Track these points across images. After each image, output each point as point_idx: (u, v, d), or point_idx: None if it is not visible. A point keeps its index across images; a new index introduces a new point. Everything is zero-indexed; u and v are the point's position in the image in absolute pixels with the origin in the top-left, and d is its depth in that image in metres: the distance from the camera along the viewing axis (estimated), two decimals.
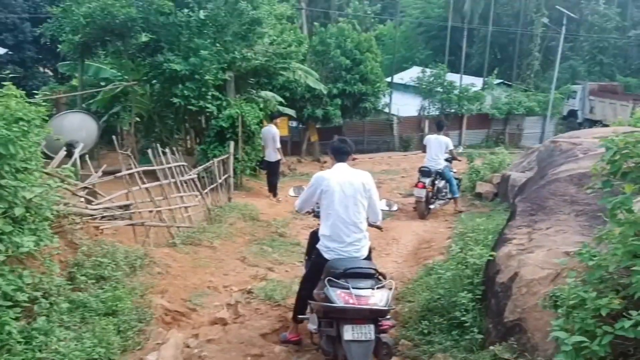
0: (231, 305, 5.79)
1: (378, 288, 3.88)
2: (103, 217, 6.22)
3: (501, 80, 32.94)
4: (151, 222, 7.19)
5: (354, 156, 24.95)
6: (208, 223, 8.74)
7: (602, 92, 32.76)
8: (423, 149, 11.54)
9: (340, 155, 4.48)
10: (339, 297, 3.78)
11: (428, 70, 29.76)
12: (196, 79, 12.01)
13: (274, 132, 11.97)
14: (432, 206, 10.71)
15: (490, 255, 4.70)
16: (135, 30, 12.36)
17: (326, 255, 4.28)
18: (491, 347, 3.82)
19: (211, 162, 9.77)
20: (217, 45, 12.46)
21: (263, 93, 16.52)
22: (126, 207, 6.85)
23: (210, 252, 7.35)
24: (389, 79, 29.94)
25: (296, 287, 5.05)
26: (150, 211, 7.21)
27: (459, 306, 4.56)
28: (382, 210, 4.79)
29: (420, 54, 41.22)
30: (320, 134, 26.04)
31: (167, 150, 8.23)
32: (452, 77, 30.40)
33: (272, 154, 12.05)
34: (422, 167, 10.67)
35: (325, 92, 18.03)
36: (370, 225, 4.62)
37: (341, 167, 4.43)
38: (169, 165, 8.03)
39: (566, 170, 5.35)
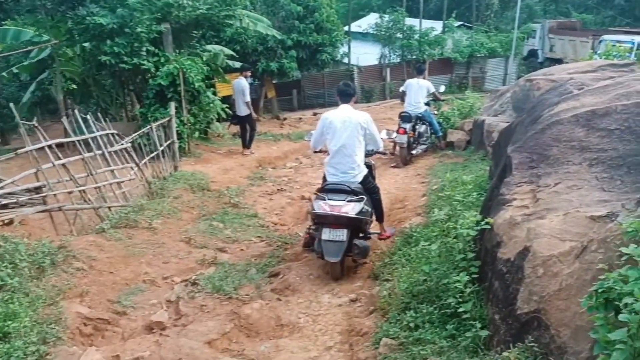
0: (171, 303, 4.73)
1: (350, 201, 5.03)
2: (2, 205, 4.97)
3: (461, 23, 31.88)
4: (72, 205, 5.97)
5: (315, 111, 23.99)
6: (148, 199, 7.53)
7: (561, 29, 32.10)
8: (402, 95, 11.09)
9: (344, 97, 5.36)
10: (319, 206, 5.05)
11: (386, 16, 28.40)
12: (127, 32, 10.50)
13: (243, 85, 11.63)
14: (414, 151, 10.50)
15: (487, 222, 3.72)
16: None
17: (328, 178, 5.34)
18: (504, 354, 2.85)
19: (148, 127, 8.43)
20: None
21: (210, 47, 15.02)
22: (37, 189, 5.61)
23: (148, 235, 6.18)
24: (346, 28, 28.55)
25: (253, 271, 5.50)
26: (71, 192, 5.97)
27: (452, 291, 3.60)
28: (383, 138, 6.00)
29: (377, 0, 39.63)
30: (277, 90, 24.65)
31: (89, 116, 6.90)
32: (411, 22, 29.17)
33: (243, 108, 11.83)
34: (403, 112, 10.47)
35: (279, 37, 16.60)
36: (375, 153, 5.91)
37: (344, 107, 5.29)
38: (91, 135, 6.72)
39: (567, 110, 4.34)
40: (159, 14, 11.16)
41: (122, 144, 7.45)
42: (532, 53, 33.09)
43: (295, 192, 8.97)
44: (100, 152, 6.88)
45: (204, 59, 12.41)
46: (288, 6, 20.81)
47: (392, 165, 10.51)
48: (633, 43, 22.51)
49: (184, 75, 10.83)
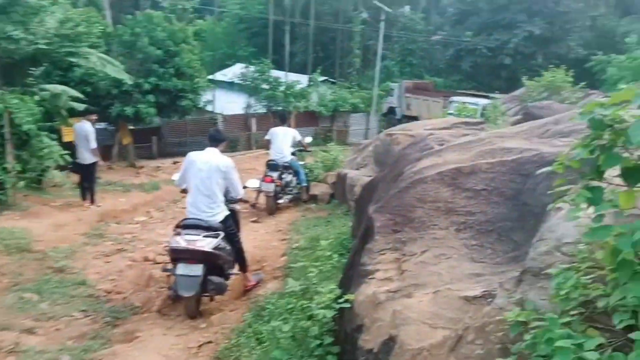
0: None
1: (206, 236, 5.13)
2: None
3: (325, 78, 32.87)
4: None
5: (175, 160, 22.69)
6: None
7: (416, 89, 34.46)
8: (267, 144, 10.80)
9: (212, 141, 5.67)
10: (175, 241, 5.12)
11: (252, 66, 28.36)
12: None
13: (87, 130, 10.46)
14: (280, 201, 10.19)
15: (346, 300, 3.10)
16: None
17: (187, 216, 5.43)
18: None
19: None
20: None
21: (50, 86, 13.37)
22: None
23: None
24: (211, 77, 27.96)
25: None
26: None
27: None
28: (254, 187, 7.36)
29: (244, 51, 39.74)
30: (134, 136, 23.01)
31: None
32: (277, 73, 29.44)
33: (87, 155, 10.58)
34: (270, 160, 10.22)
35: (130, 82, 15.42)
36: (237, 201, 6.02)
37: (209, 150, 5.56)
38: None
39: (431, 167, 3.97)
40: None
41: None
42: (391, 110, 34.99)
43: (139, 253, 7.80)
44: None
45: (39, 98, 10.88)
46: (146, 49, 19.70)
47: (253, 220, 9.78)
48: (478, 105, 24.57)
49: (10, 116, 9.28)
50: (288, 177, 10.36)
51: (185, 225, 5.30)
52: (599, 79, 26.94)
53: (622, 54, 25.63)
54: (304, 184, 10.69)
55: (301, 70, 35.63)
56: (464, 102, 23.02)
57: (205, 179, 5.36)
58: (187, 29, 21.91)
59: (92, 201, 10.92)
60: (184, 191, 5.89)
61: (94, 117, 11.07)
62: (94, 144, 10.51)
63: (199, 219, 5.31)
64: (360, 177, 9.20)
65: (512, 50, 33.73)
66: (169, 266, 5.31)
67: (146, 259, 7.45)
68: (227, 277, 5.51)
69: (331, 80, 34.09)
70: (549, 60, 30.64)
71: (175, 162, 22.71)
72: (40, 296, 5.74)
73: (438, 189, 3.61)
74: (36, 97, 10.63)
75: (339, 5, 37.89)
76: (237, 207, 6.26)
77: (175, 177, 6.08)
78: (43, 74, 13.76)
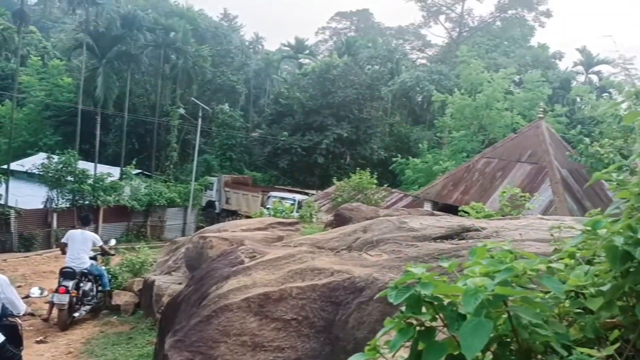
0: None
1: None
2: None
3: (140, 171, 31.48)
4: None
5: None
6: None
7: (235, 184, 34.77)
8: (62, 247, 9.73)
9: None
10: None
11: (56, 157, 25.95)
12: None
13: None
14: (76, 314, 9.02)
15: None
16: None
17: None
18: None
19: None
20: None
21: None
22: None
23: None
24: (5, 166, 24.90)
25: None
26: None
27: None
28: (34, 296, 6.38)
29: (49, 140, 36.61)
30: None
31: None
32: (85, 165, 27.39)
33: None
34: (65, 267, 9.15)
35: None
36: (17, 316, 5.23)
37: None
38: None
39: (238, 290, 3.58)
40: None
41: None
42: (210, 204, 34.56)
43: None
44: None
45: None
46: None
47: (38, 339, 8.25)
48: (294, 200, 25.40)
49: None
50: (86, 286, 9.34)
51: None
52: (400, 179, 30.00)
53: (416, 157, 29.07)
54: (107, 288, 9.75)
55: (114, 162, 33.76)
56: (282, 198, 23.62)
57: None
58: None
59: None
60: None
61: None
62: None
63: None
64: (169, 284, 8.45)
65: (324, 150, 36.17)
66: None
67: None
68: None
69: (146, 173, 32.79)
70: (356, 160, 33.47)
71: None
72: None
73: (244, 319, 3.21)
74: None
75: (155, 99, 37.40)
76: (18, 321, 5.48)
77: None
78: None
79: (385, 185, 17.50)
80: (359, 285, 2.84)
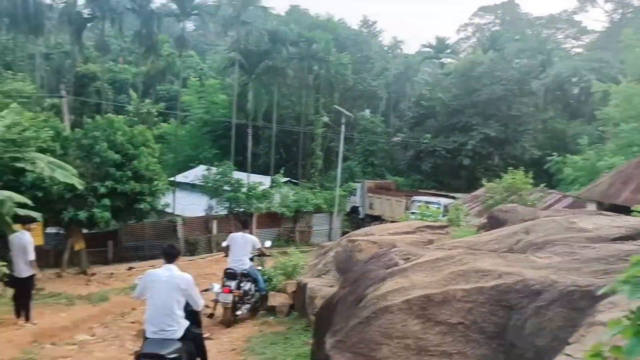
0: None
1: None
2: None
3: (288, 179, 32.93)
4: None
5: (130, 265, 21.57)
6: None
7: (378, 189, 34.83)
8: (225, 250, 10.30)
9: (168, 257, 5.74)
10: None
11: (214, 168, 28.19)
12: None
13: (25, 241, 9.57)
14: (239, 312, 9.52)
15: None
16: None
17: (147, 334, 5.51)
18: None
19: None
20: None
21: None
22: None
23: None
24: (172, 179, 27.60)
25: None
26: None
27: None
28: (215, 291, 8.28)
29: (208, 153, 39.86)
30: (88, 241, 21.90)
31: None
32: (239, 175, 29.32)
33: (23, 268, 9.58)
34: (228, 268, 9.65)
35: (81, 187, 14.79)
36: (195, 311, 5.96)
37: (167, 267, 5.67)
38: None
39: (396, 292, 3.44)
40: None
41: None
42: (354, 209, 35.00)
43: None
44: None
45: None
46: (104, 153, 19.29)
47: (205, 336, 8.86)
48: (440, 204, 24.70)
49: None
50: (247, 286, 9.77)
51: (145, 355, 5.28)
52: (557, 179, 27.71)
53: (575, 154, 26.62)
54: (264, 292, 10.13)
55: (264, 171, 35.75)
56: (426, 202, 23.10)
57: (165, 298, 5.44)
58: (146, 132, 21.76)
59: (27, 318, 9.84)
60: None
61: (34, 225, 10.28)
62: (32, 256, 9.63)
63: (156, 347, 5.30)
64: (321, 287, 8.57)
65: (470, 152, 34.81)
66: None
67: None
68: None
69: (294, 181, 34.17)
70: (506, 161, 31.62)
71: (130, 268, 21.53)
72: None
73: (406, 321, 3.06)
74: None
75: (300, 110, 38.93)
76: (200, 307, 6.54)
77: (134, 291, 6.18)
78: None
79: (542, 186, 16.22)
80: (534, 288, 2.54)
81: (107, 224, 21.45)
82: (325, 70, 36.63)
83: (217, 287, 8.13)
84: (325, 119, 32.24)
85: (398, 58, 54.23)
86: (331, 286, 8.75)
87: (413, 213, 17.71)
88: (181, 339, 5.49)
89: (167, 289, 5.46)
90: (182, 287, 5.50)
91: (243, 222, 11.10)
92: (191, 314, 5.85)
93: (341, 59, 38.06)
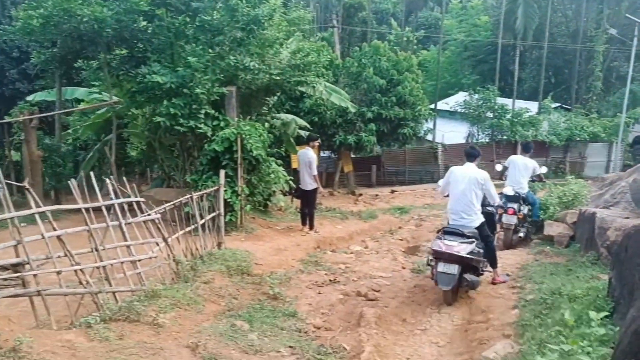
0: None
1: (462, 242, 6.23)
2: None
3: (559, 105, 29.77)
4: (59, 288, 4.78)
5: (392, 189, 22.55)
6: (170, 283, 6.27)
7: None
8: (502, 172, 10.14)
9: (469, 157, 6.65)
10: (437, 244, 6.30)
11: (476, 94, 27.01)
12: (185, 93, 9.77)
13: (310, 157, 10.52)
14: (519, 234, 9.54)
15: None
16: (106, 35, 10.22)
17: (449, 221, 6.62)
18: None
19: (186, 196, 7.32)
20: (210, 52, 10.19)
21: (282, 115, 14.22)
22: (15, 268, 4.49)
23: (147, 335, 4.80)
24: (432, 105, 27.40)
25: None
26: (59, 272, 4.80)
27: None
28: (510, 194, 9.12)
29: (467, 79, 38.41)
30: (355, 164, 23.55)
31: (109, 180, 5.88)
32: (503, 101, 27.57)
33: (308, 181, 10.60)
34: (512, 192, 9.50)
35: (353, 110, 15.61)
36: (490, 206, 7.21)
37: (467, 165, 6.60)
38: (101, 204, 5.63)
39: None
40: (223, 76, 10.41)
41: (148, 214, 6.33)
42: (637, 141, 30.14)
43: (351, 286, 7.36)
44: (116, 222, 5.76)
45: (271, 126, 11.44)
46: (371, 79, 20.03)
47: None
48: None
49: (242, 142, 9.84)
50: (525, 210, 9.49)
51: (445, 232, 6.38)
52: None
53: None
54: (538, 219, 9.65)
55: (530, 97, 32.97)
56: None
57: (464, 190, 6.38)
58: (411, 58, 21.79)
59: (311, 227, 11.01)
60: (447, 196, 6.84)
61: (317, 143, 11.22)
62: (315, 171, 10.56)
63: (456, 227, 6.34)
64: (614, 218, 7.46)
65: None
66: (432, 262, 6.44)
67: (358, 294, 6.96)
68: (479, 274, 6.56)
69: (565, 107, 30.77)
70: None
71: (393, 191, 22.55)
72: (251, 325, 5.57)
73: None
74: (266, 125, 11.17)
75: (577, 24, 34.18)
76: (494, 210, 7.46)
77: (439, 184, 7.13)
78: (277, 104, 14.67)
79: None
80: None
81: (371, 149, 22.63)
82: None
83: (507, 190, 9.06)
84: (612, 31, 27.52)
85: None
86: (627, 217, 7.58)
87: None
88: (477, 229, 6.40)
89: (467, 182, 6.37)
90: (479, 182, 6.38)
91: (526, 146, 10.71)
92: (485, 215, 6.70)
93: None
